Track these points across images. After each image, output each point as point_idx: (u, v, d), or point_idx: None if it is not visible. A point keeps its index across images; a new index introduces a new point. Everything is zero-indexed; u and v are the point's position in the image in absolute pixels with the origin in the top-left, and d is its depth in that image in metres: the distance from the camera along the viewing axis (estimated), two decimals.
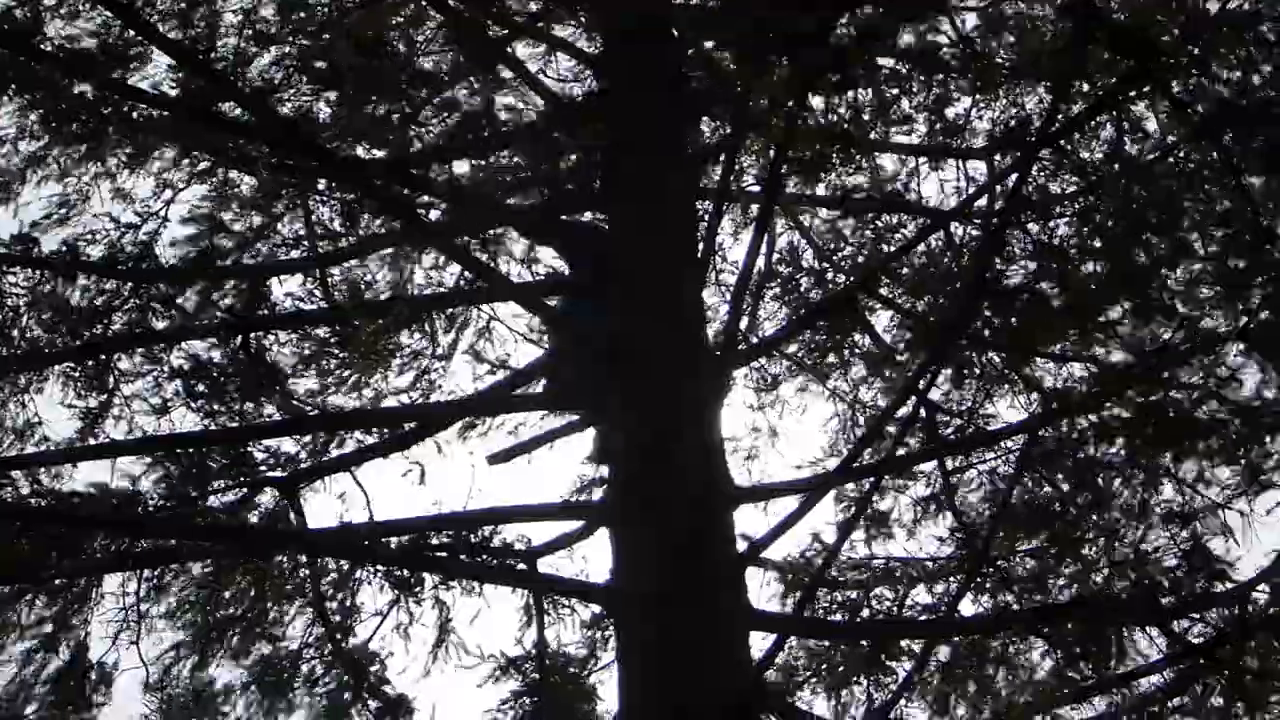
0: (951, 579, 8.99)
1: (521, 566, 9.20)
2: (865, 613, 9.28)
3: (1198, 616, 8.78)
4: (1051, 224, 9.82)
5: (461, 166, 10.48)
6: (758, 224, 8.92)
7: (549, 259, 10.77)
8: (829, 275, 10.96)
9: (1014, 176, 8.82)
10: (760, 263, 10.84)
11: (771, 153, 8.78)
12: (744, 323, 10.57)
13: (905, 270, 10.05)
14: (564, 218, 9.94)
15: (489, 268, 9.90)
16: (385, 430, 9.69)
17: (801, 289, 10.92)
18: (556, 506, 9.24)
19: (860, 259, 10.71)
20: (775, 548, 9.04)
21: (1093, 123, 9.38)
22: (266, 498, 9.42)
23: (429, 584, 9.41)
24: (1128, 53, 8.14)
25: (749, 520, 10.72)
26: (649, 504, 8.26)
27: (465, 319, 10.64)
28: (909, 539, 10.21)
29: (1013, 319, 9.37)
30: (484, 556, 9.05)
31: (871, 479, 9.17)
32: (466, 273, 10.27)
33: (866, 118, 10.95)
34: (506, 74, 10.54)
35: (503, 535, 9.16)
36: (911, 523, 10.21)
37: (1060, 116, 8.94)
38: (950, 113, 10.95)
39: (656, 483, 8.26)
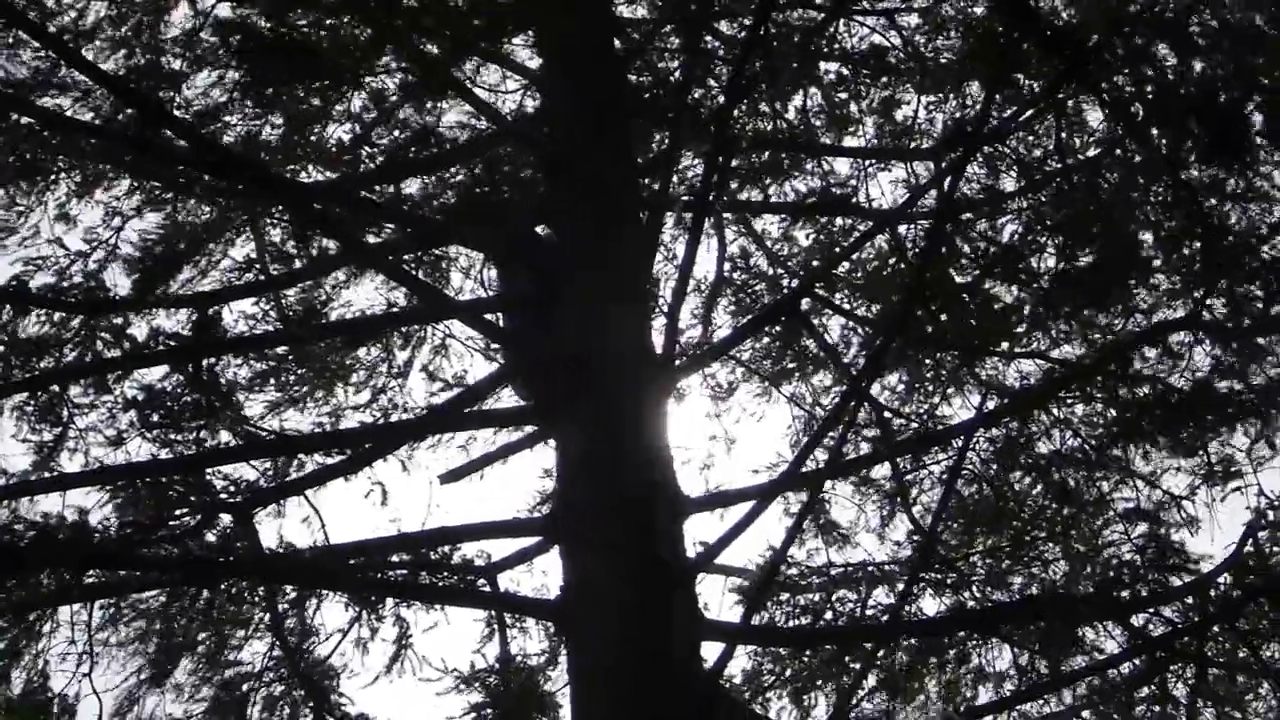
0: (907, 581, 8.74)
1: (482, 583, 9.01)
2: (828, 616, 9.09)
3: (1156, 610, 8.70)
4: (999, 222, 9.73)
5: (410, 187, 10.38)
6: (691, 232, 8.77)
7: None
8: (781, 280, 11.02)
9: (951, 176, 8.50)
10: (713, 270, 10.90)
11: (706, 159, 8.55)
12: (697, 330, 10.64)
13: (849, 273, 9.97)
14: (512, 233, 9.64)
15: (429, 287, 9.74)
16: (344, 451, 9.44)
17: (751, 295, 10.85)
18: (509, 523, 9.04)
19: (808, 264, 10.71)
20: (733, 555, 8.98)
21: (1032, 120, 9.25)
22: (222, 525, 9.01)
23: (389, 601, 9.23)
24: (1057, 51, 7.96)
25: (706, 528, 10.27)
26: (595, 517, 8.09)
27: (420, 336, 10.55)
28: (879, 544, 10.15)
29: (964, 319, 9.29)
30: (444, 574, 8.87)
31: (819, 483, 9.04)
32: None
33: (816, 122, 10.91)
34: (453, 94, 10.28)
35: (462, 552, 9.01)
36: (874, 527, 10.17)
37: (996, 115, 8.79)
38: (899, 115, 10.96)
39: (603, 495, 8.10)
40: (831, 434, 8.67)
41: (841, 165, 11.10)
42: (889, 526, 9.98)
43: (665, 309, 9.02)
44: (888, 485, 9.91)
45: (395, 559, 8.95)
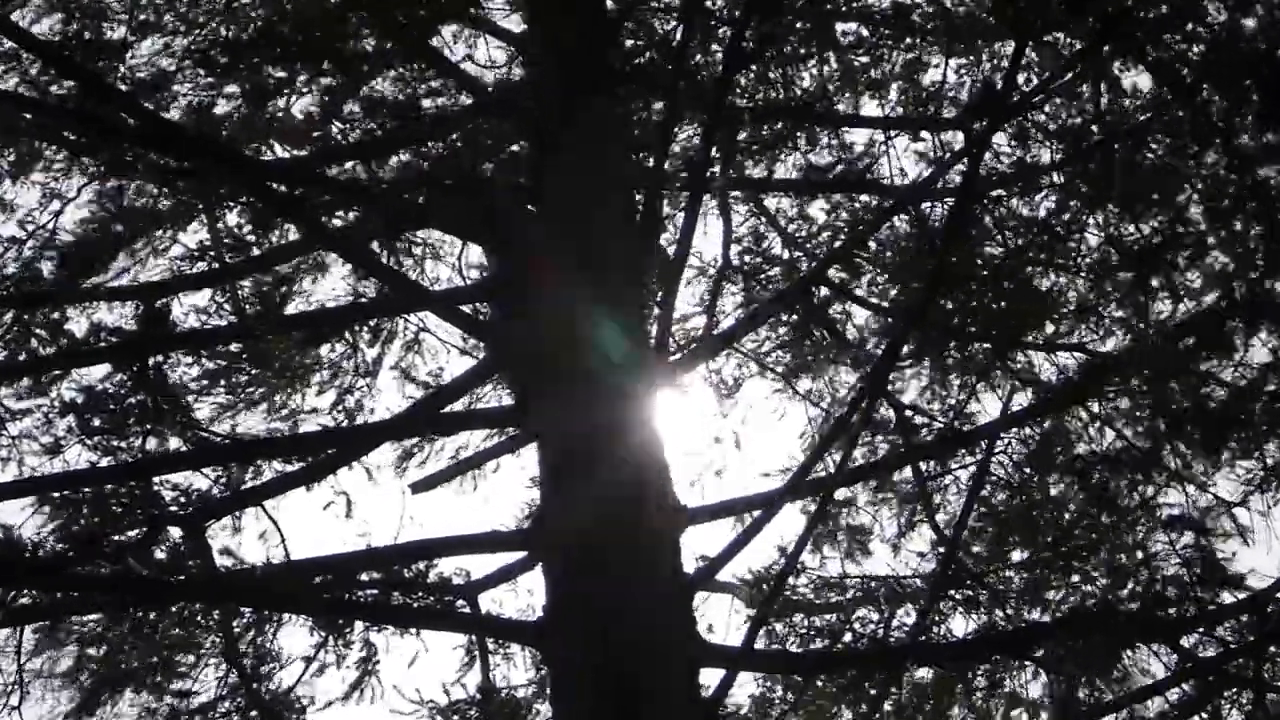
0: (930, 598, 8.76)
1: (461, 604, 8.96)
2: (846, 638, 9.04)
3: (1208, 631, 8.66)
4: (1034, 198, 9.65)
5: (383, 164, 10.18)
6: (687, 211, 8.58)
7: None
8: (797, 265, 10.85)
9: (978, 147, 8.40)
10: (720, 254, 10.88)
11: (704, 130, 8.48)
12: (701, 320, 10.54)
13: (868, 256, 9.95)
14: (491, 213, 9.48)
15: (400, 275, 9.60)
16: (306, 457, 9.41)
17: (761, 281, 10.80)
18: (488, 536, 8.85)
19: (821, 246, 10.59)
20: (739, 569, 9.04)
21: (1068, 86, 9.22)
22: (170, 539, 8.98)
23: (358, 624, 9.21)
24: (1083, 10, 7.90)
25: (709, 540, 10.27)
26: (576, 530, 7.91)
27: (391, 331, 10.49)
28: (899, 557, 10.01)
29: (994, 304, 9.26)
30: (419, 594, 8.81)
31: (832, 490, 8.88)
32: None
33: (832, 88, 10.83)
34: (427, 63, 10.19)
35: (439, 570, 8.95)
36: (894, 537, 10.08)
37: (1027, 80, 8.75)
38: (924, 80, 10.83)
39: (582, 504, 7.91)
40: (846, 434, 8.53)
41: (860, 137, 10.98)
42: (910, 537, 9.88)
43: (658, 296, 8.93)
44: (909, 491, 9.82)
45: (364, 577, 8.81)
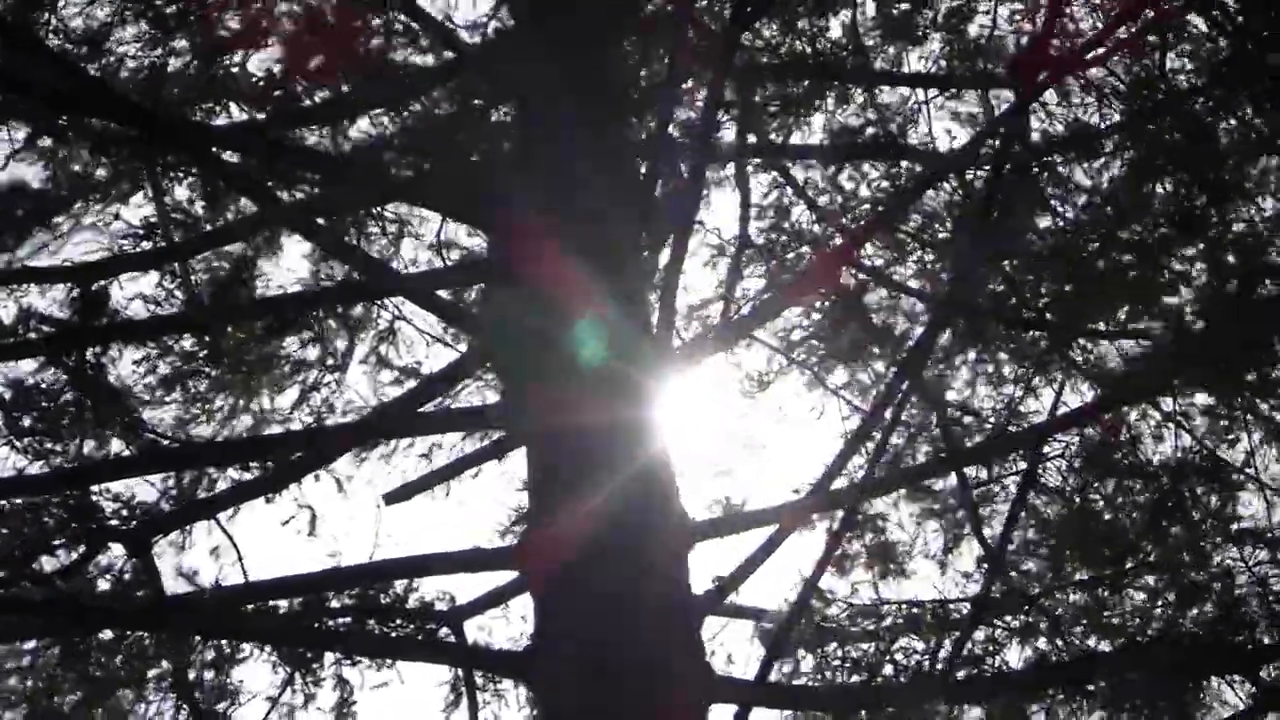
0: (974, 622, 8.70)
1: (445, 633, 8.88)
2: (887, 670, 8.87)
3: None
4: (1092, 164, 9.52)
5: (351, 129, 10.16)
6: (691, 179, 8.53)
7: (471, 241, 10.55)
8: (821, 240, 10.81)
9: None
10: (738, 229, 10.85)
11: (710, 88, 8.34)
12: (718, 306, 10.62)
13: (906, 230, 9.87)
14: (474, 186, 9.35)
15: (369, 258, 9.46)
16: (266, 464, 9.31)
17: (786, 259, 10.77)
18: (471, 555, 8.51)
19: (854, 220, 10.48)
20: (757, 591, 8.94)
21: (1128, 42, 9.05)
22: (112, 558, 8.99)
23: (328, 656, 9.10)
24: None
25: (722, 558, 10.12)
26: (567, 546, 7.65)
27: (364, 320, 10.43)
28: (941, 575, 10.11)
29: (1044, 286, 9.21)
30: (396, 622, 8.75)
31: (860, 500, 8.83)
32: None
33: (869, 42, 10.73)
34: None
35: (419, 593, 8.92)
36: (936, 553, 10.17)
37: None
38: (971, 30, 10.64)
39: (579, 518, 7.64)
40: (878, 436, 8.52)
41: (897, 97, 10.92)
42: (955, 554, 9.97)
43: (660, 278, 8.74)
44: (953, 502, 9.85)
45: (334, 603, 8.78)
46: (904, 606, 9.05)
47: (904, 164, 10.46)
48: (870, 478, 8.50)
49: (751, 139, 10.42)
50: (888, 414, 8.50)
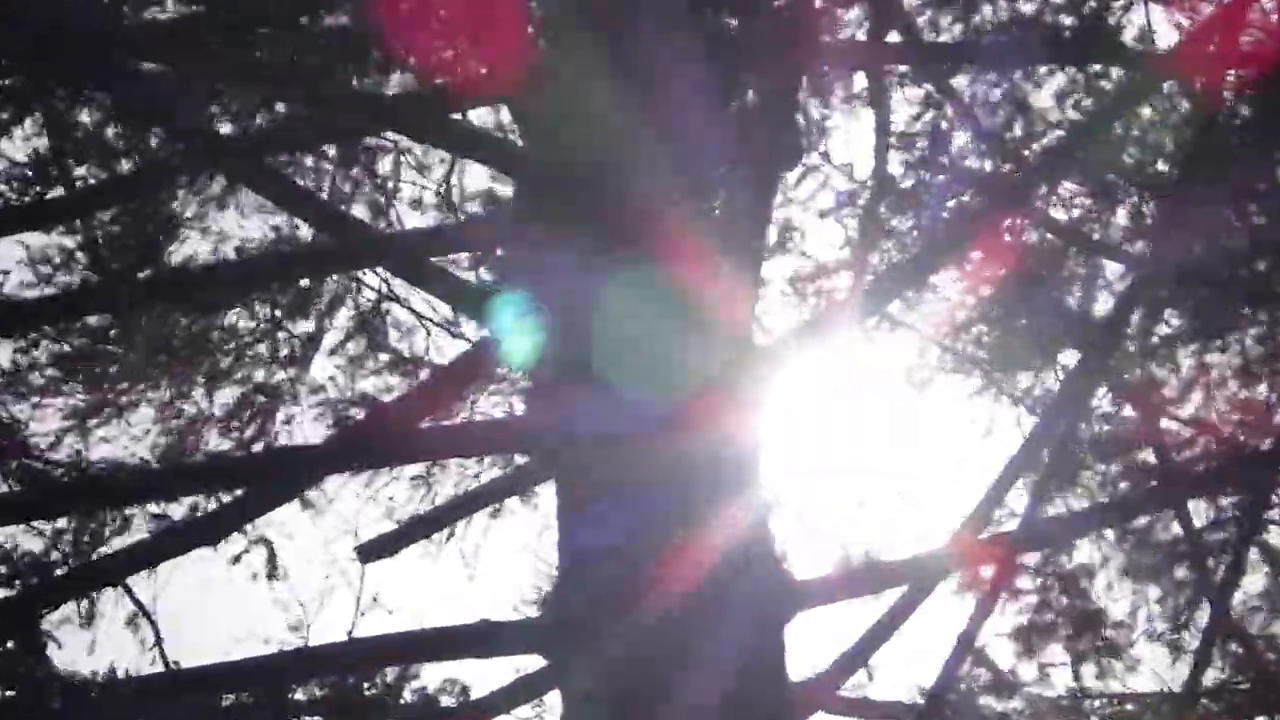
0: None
1: None
2: None
3: None
4: None
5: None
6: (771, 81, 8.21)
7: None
8: (996, 181, 10.56)
9: None
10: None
11: None
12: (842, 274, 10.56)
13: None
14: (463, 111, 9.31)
15: (340, 215, 9.29)
16: (199, 501, 9.33)
17: (942, 207, 10.56)
18: (480, 630, 7.94)
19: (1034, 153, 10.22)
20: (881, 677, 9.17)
21: None
22: None
23: None
24: None
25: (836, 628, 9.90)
26: (598, 630, 7.23)
27: (338, 296, 10.44)
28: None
29: None
30: None
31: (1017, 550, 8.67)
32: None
33: None
34: None
35: (419, 683, 9.03)
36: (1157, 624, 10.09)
37: None
38: None
39: (613, 593, 7.20)
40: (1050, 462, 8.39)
41: None
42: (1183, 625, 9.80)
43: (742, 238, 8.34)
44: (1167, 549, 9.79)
45: (299, 695, 8.77)
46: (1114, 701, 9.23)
47: (1114, 71, 10.21)
48: (1042, 512, 8.38)
49: (893, 35, 10.20)
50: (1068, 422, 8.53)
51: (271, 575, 9.83)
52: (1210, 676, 9.51)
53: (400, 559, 9.07)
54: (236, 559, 9.71)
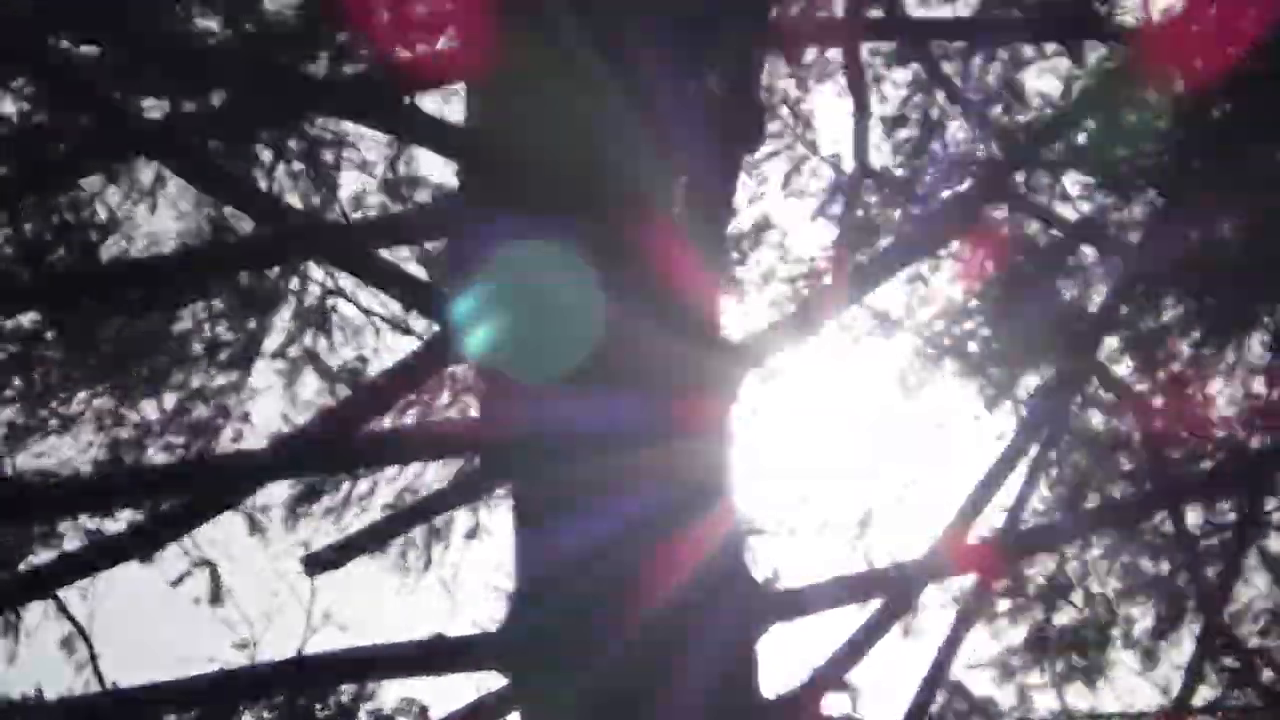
0: None
1: None
2: None
3: None
4: None
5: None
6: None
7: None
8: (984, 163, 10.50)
9: None
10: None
11: None
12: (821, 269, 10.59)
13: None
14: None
15: (264, 197, 8.97)
16: (136, 511, 9.09)
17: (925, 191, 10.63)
18: (434, 646, 7.71)
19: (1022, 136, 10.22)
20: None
21: None
22: None
23: None
24: None
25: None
26: (576, 637, 6.96)
27: (279, 293, 10.30)
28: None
29: None
30: None
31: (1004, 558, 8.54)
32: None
33: None
34: None
35: (376, 704, 9.06)
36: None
37: None
38: None
39: (582, 588, 6.96)
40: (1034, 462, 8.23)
41: None
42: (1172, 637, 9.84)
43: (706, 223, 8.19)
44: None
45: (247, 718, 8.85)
46: None
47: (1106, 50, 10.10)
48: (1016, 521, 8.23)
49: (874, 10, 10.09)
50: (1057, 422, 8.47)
51: (215, 600, 9.80)
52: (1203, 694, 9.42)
53: (358, 576, 9.20)
54: (178, 581, 9.71)
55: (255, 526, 10.03)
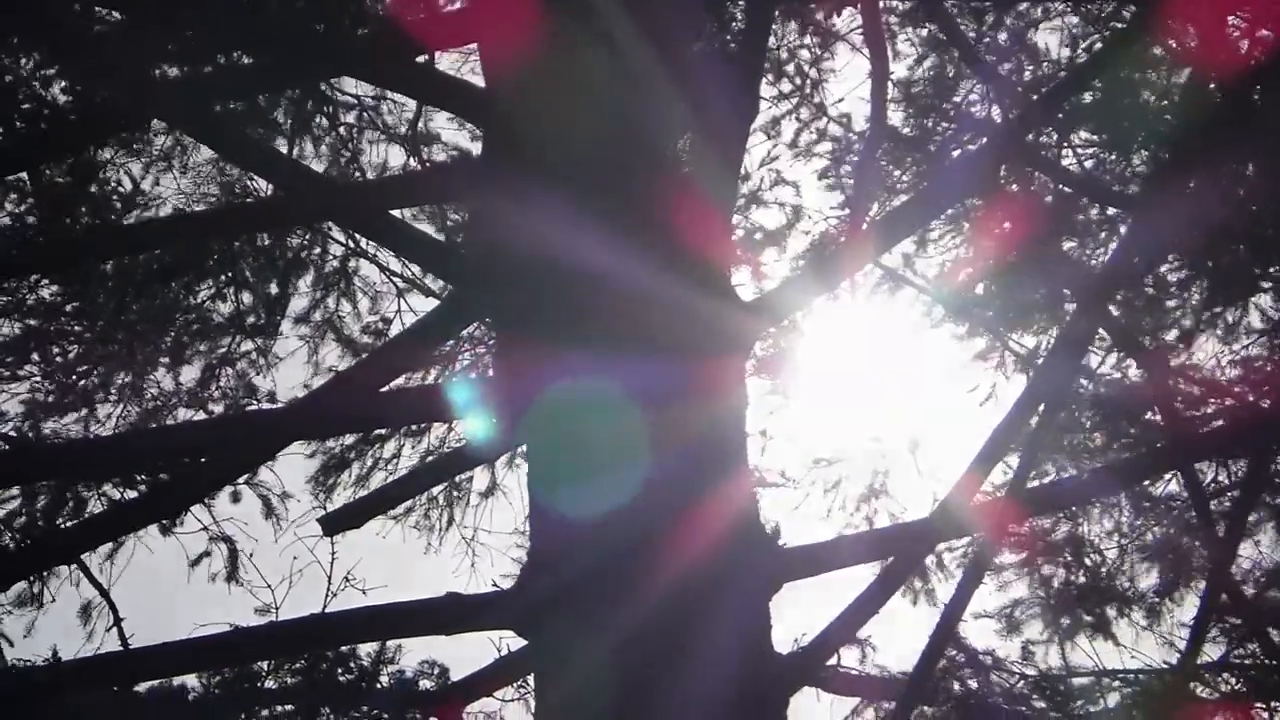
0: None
1: None
2: None
3: None
4: None
5: None
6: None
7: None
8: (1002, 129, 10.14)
9: None
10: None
11: None
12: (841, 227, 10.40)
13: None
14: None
15: (293, 164, 8.98)
16: (155, 474, 9.24)
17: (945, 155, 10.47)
18: (452, 603, 7.72)
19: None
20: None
21: None
22: None
23: None
24: None
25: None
26: (593, 597, 7.01)
27: (303, 257, 10.27)
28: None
29: None
30: (360, 710, 8.71)
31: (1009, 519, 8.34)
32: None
33: None
34: None
35: (395, 665, 8.87)
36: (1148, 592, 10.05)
37: None
38: None
39: (589, 558, 7.04)
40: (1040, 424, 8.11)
41: None
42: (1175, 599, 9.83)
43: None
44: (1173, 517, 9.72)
45: (270, 682, 8.75)
46: (1104, 679, 9.28)
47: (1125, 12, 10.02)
48: (1021, 483, 8.08)
49: None
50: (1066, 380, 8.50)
51: (232, 577, 9.78)
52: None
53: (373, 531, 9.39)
54: (196, 561, 9.75)
55: (270, 510, 10.00)
